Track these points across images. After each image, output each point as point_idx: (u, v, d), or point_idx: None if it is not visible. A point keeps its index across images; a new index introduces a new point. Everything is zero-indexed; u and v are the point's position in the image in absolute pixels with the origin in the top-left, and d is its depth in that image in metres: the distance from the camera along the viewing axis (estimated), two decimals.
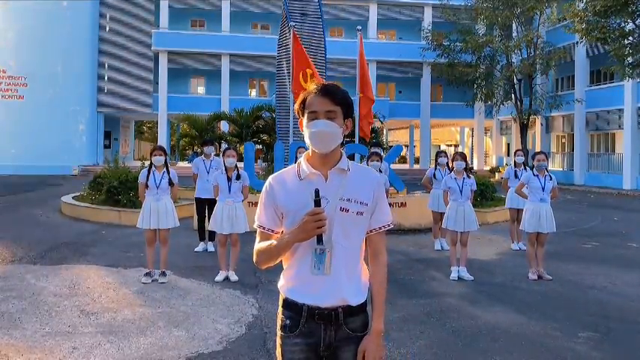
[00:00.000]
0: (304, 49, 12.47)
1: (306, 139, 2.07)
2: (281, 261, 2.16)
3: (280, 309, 2.16)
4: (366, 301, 2.15)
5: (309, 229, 1.95)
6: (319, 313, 2.06)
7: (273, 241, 2.09)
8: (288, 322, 2.11)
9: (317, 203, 1.96)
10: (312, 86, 2.10)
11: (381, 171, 8.33)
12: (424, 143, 36.95)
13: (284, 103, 14.07)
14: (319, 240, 2.00)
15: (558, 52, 27.54)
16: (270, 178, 2.17)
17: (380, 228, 2.17)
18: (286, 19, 14.16)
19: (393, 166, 11.92)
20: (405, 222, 10.95)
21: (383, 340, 2.14)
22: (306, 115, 2.07)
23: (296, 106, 2.14)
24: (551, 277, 7.25)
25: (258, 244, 2.14)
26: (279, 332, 2.15)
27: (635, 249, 9.83)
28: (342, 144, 2.12)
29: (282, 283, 2.17)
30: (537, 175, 7.37)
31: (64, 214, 13.14)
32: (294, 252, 2.08)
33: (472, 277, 7.21)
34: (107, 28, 33.08)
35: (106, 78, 32.96)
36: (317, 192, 1.97)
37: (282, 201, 2.09)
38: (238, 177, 7.17)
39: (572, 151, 29.34)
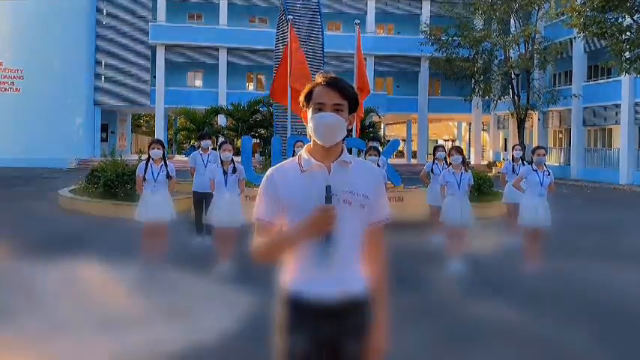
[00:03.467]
0: (300, 47, 12.42)
1: (310, 131, 2.05)
2: None
3: (282, 303, 2.14)
4: (367, 294, 2.14)
5: (319, 226, 1.93)
6: (323, 307, 2.05)
7: (276, 238, 2.07)
8: (290, 316, 2.09)
9: (328, 200, 1.93)
10: (318, 78, 2.08)
11: (378, 165, 8.33)
12: (422, 138, 36.95)
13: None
14: (327, 239, 1.97)
15: (556, 47, 27.52)
16: (271, 170, 2.14)
17: (379, 222, 2.17)
18: (284, 12, 14.12)
19: (391, 161, 11.90)
20: (402, 216, 10.91)
21: (387, 334, 2.14)
22: (312, 107, 2.05)
23: (301, 97, 2.10)
24: (547, 272, 7.27)
25: (258, 239, 2.11)
26: (280, 326, 2.13)
27: (631, 244, 9.86)
28: (343, 138, 2.10)
29: (283, 276, 2.15)
30: (536, 170, 7.38)
31: (61, 207, 13.11)
32: (297, 246, 2.05)
33: (468, 272, 7.22)
34: (104, 21, 32.93)
35: (103, 71, 32.83)
36: (328, 188, 1.94)
37: (285, 194, 2.06)
38: (235, 170, 7.17)
39: (569, 146, 29.38)
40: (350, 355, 2.10)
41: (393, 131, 50.44)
